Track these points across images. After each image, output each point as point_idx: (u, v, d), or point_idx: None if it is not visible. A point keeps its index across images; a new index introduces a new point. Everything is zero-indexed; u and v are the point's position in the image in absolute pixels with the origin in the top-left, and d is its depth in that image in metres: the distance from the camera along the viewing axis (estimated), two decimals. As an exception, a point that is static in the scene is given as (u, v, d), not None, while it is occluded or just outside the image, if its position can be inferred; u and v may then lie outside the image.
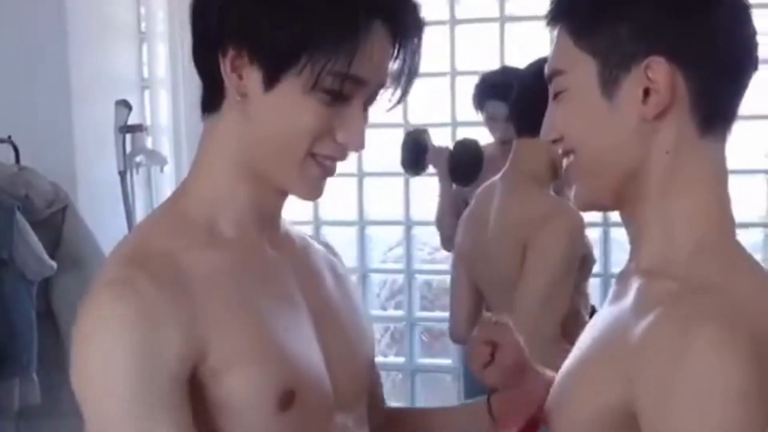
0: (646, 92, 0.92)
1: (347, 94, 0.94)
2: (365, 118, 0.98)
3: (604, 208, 1.02)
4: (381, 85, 0.98)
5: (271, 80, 0.93)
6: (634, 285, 0.94)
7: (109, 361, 0.88)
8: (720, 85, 0.94)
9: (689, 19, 0.92)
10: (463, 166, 2.86)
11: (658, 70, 0.91)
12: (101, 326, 0.89)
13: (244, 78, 0.94)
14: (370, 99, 0.98)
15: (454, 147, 2.96)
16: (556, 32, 0.99)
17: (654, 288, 0.90)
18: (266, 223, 1.03)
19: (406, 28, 0.96)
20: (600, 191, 0.98)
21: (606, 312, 0.99)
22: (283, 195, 1.03)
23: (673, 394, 0.82)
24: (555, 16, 0.99)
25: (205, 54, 0.97)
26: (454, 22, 3.32)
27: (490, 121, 2.88)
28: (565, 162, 1.01)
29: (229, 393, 0.92)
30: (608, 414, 0.89)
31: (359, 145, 0.98)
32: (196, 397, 0.92)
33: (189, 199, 1.01)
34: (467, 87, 2.99)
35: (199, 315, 0.92)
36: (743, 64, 0.95)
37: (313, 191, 1.00)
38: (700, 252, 0.91)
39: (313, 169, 0.98)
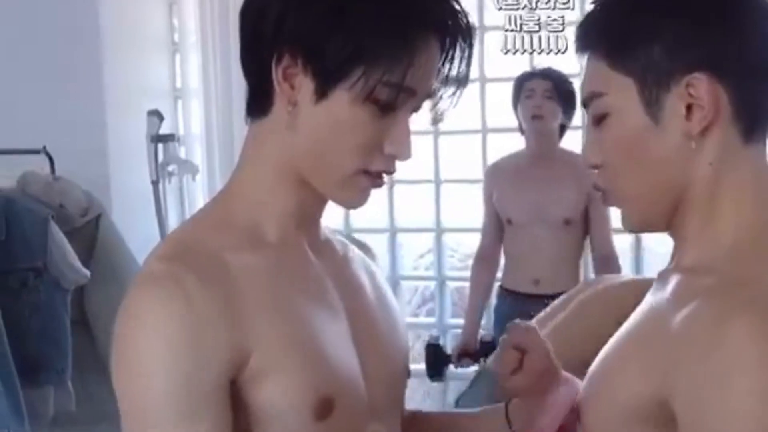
0: (689, 108, 0.91)
1: (398, 106, 0.95)
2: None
3: (658, 229, 1.01)
4: (429, 95, 0.98)
5: (322, 91, 0.93)
6: (674, 280, 0.94)
7: (153, 359, 0.88)
8: (760, 92, 0.93)
9: (721, 31, 0.91)
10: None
11: (699, 87, 0.90)
12: (146, 322, 0.89)
13: (295, 87, 0.94)
14: (416, 108, 0.99)
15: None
16: (585, 58, 0.98)
17: (693, 283, 0.90)
18: (307, 228, 1.04)
19: (456, 37, 0.96)
20: (651, 214, 0.98)
21: (643, 306, 0.98)
22: (325, 201, 1.03)
23: (708, 384, 0.81)
24: (584, 43, 0.98)
25: (257, 59, 0.96)
26: (483, 29, 3.32)
27: (527, 99, 2.87)
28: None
29: (268, 398, 0.92)
30: (642, 406, 0.89)
31: (407, 156, 0.98)
32: (235, 401, 0.91)
33: (233, 201, 1.01)
34: (497, 93, 2.99)
35: (244, 316, 0.92)
36: None
37: (358, 202, 1.01)
38: (741, 249, 0.91)
39: (363, 182, 0.98)
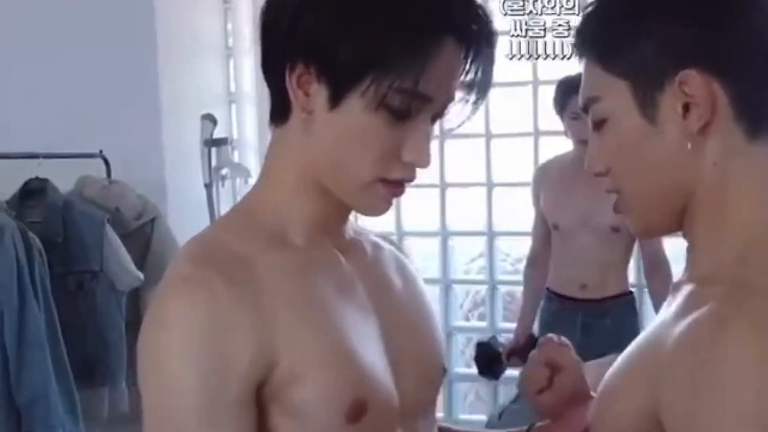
0: (686, 107, 0.87)
1: (413, 113, 0.93)
2: (430, 133, 0.97)
3: (665, 234, 0.98)
4: (449, 101, 0.96)
5: (335, 98, 0.92)
6: (684, 291, 0.90)
7: (178, 362, 0.87)
8: (763, 89, 0.89)
9: (713, 27, 0.88)
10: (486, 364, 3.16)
11: (692, 83, 0.87)
12: (172, 325, 0.88)
13: (310, 95, 0.94)
14: (438, 114, 0.96)
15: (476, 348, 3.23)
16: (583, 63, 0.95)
17: (702, 293, 0.86)
18: (333, 231, 1.03)
19: (477, 42, 0.94)
20: (656, 219, 0.95)
21: (655, 320, 0.95)
22: (349, 206, 1.03)
23: (698, 395, 0.77)
24: (580, 48, 0.96)
25: (274, 68, 0.96)
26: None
27: (573, 120, 2.83)
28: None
29: (299, 402, 0.91)
30: (640, 420, 0.85)
31: (425, 164, 0.95)
32: (265, 405, 0.91)
33: (259, 206, 1.01)
34: (550, 96, 2.97)
35: (272, 321, 0.91)
36: None
37: (377, 210, 0.99)
38: (751, 255, 0.86)
39: (381, 191, 0.97)
